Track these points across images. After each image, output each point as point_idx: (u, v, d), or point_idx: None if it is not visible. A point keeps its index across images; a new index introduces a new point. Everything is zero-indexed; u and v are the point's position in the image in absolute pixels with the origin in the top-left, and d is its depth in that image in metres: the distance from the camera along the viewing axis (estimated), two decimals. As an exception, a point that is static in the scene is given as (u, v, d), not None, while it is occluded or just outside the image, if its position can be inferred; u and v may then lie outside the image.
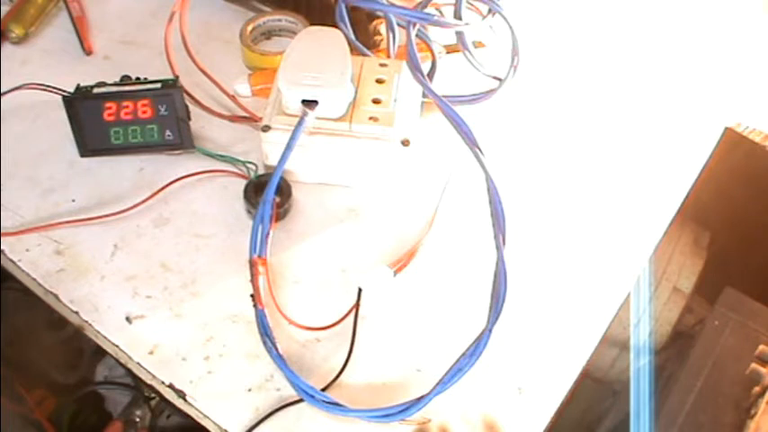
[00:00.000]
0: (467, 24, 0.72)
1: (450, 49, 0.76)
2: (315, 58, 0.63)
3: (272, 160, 0.63)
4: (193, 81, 0.71)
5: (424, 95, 0.67)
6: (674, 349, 0.88)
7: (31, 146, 0.68)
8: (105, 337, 0.57)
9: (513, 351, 0.58)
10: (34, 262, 0.60)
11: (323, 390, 0.54)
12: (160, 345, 0.56)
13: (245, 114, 0.70)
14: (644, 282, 0.87)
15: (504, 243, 0.56)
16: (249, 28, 0.76)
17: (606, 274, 0.64)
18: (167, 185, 0.65)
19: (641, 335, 0.88)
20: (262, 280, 0.58)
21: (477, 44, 0.77)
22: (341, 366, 0.55)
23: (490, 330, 0.53)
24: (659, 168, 0.72)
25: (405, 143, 0.63)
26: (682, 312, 0.90)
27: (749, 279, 0.85)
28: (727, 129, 0.79)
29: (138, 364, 0.55)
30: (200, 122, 0.70)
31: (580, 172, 0.71)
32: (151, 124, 0.65)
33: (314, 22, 0.75)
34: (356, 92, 0.64)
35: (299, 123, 0.61)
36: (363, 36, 0.74)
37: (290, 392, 0.54)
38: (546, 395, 0.56)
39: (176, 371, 0.55)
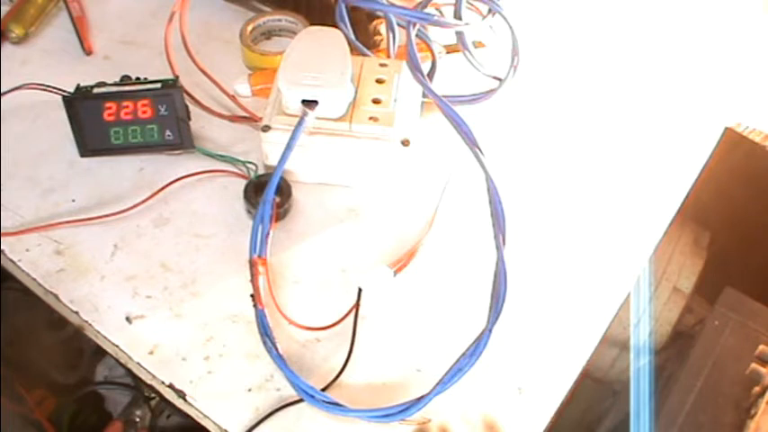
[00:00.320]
0: (467, 24, 0.72)
1: (450, 49, 0.76)
2: (315, 58, 0.63)
3: (272, 160, 0.63)
4: (193, 81, 0.71)
5: (424, 95, 0.67)
6: (674, 349, 0.88)
7: (31, 146, 0.68)
8: (105, 337, 0.57)
9: (513, 351, 0.58)
10: (34, 262, 0.60)
11: (323, 390, 0.54)
12: (160, 345, 0.56)
13: (245, 114, 0.70)
14: (644, 282, 0.87)
15: (504, 243, 0.56)
16: (249, 28, 0.76)
17: (606, 274, 0.64)
18: (167, 185, 0.65)
19: (641, 335, 0.88)
20: (262, 280, 0.58)
21: (477, 44, 0.77)
22: (341, 366, 0.55)
23: (490, 330, 0.53)
24: (659, 168, 0.72)
25: (405, 143, 0.63)
26: (682, 312, 0.90)
27: (749, 279, 0.85)
28: (727, 129, 0.79)
29: (138, 364, 0.55)
30: (200, 122, 0.70)
31: (580, 172, 0.71)
32: (151, 124, 0.65)
33: (314, 22, 0.75)
34: (356, 92, 0.64)
35: (299, 123, 0.61)
36: (363, 36, 0.74)
37: (290, 392, 0.54)
38: (546, 395, 0.56)
39: (176, 371, 0.55)
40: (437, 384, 0.52)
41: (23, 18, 0.77)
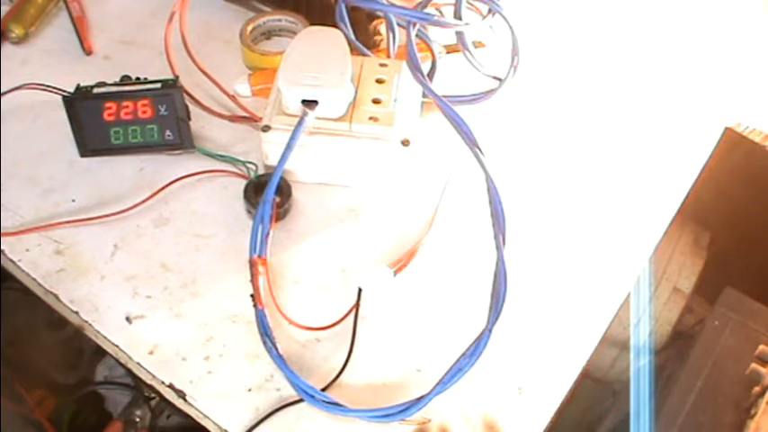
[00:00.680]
0: (467, 24, 0.72)
1: (450, 49, 0.76)
2: (315, 58, 0.63)
3: (272, 160, 0.63)
4: (193, 81, 0.71)
5: (424, 95, 0.67)
6: (674, 349, 0.88)
7: (31, 146, 0.68)
8: (105, 337, 0.57)
9: (513, 351, 0.58)
10: (34, 262, 0.60)
11: (323, 390, 0.54)
12: (160, 345, 0.56)
13: (245, 114, 0.70)
14: (644, 282, 0.87)
15: (504, 243, 0.56)
16: (249, 28, 0.76)
17: (606, 274, 0.64)
18: (167, 185, 0.65)
19: (641, 335, 0.88)
20: (262, 280, 0.58)
21: (477, 44, 0.77)
22: (341, 366, 0.55)
23: (490, 330, 0.53)
24: (659, 168, 0.72)
25: (405, 143, 0.63)
26: (682, 312, 0.90)
27: (749, 279, 0.85)
28: (727, 129, 0.79)
29: (138, 364, 0.55)
30: (200, 122, 0.70)
31: (580, 172, 0.71)
32: (151, 124, 0.65)
33: (314, 22, 0.75)
34: (356, 92, 0.64)
35: (299, 123, 0.61)
36: (363, 36, 0.74)
37: (290, 392, 0.54)
38: (546, 395, 0.56)
39: (176, 371, 0.55)
40: (437, 384, 0.52)
41: (23, 18, 0.77)
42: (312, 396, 0.52)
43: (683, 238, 0.92)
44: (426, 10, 0.75)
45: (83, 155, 0.67)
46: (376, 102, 0.64)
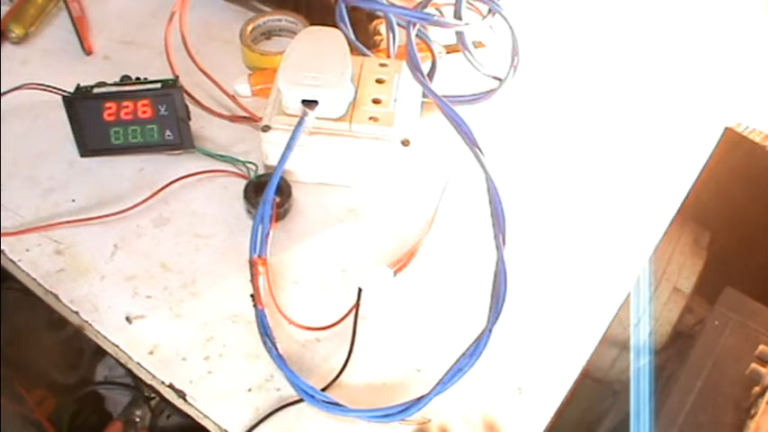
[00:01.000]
0: (467, 24, 0.72)
1: (450, 49, 0.76)
2: (315, 58, 0.63)
3: (272, 160, 0.63)
4: (193, 81, 0.71)
5: (424, 95, 0.67)
6: (674, 349, 0.88)
7: (31, 146, 0.68)
8: (105, 337, 0.57)
9: (513, 351, 0.58)
10: (34, 262, 0.60)
11: (323, 390, 0.54)
12: (160, 345, 0.56)
13: (245, 114, 0.70)
14: (644, 282, 0.87)
15: (504, 243, 0.56)
16: (249, 28, 0.76)
17: (606, 274, 0.64)
18: (167, 185, 0.65)
19: (641, 335, 0.88)
20: (262, 280, 0.58)
21: (477, 44, 0.77)
22: (341, 366, 0.55)
23: (490, 330, 0.53)
24: (659, 168, 0.72)
25: (405, 143, 0.63)
26: (682, 312, 0.90)
27: (749, 279, 0.85)
28: (727, 129, 0.79)
29: (138, 364, 0.55)
30: (200, 122, 0.70)
31: (580, 172, 0.71)
32: (151, 124, 0.65)
33: (314, 22, 0.75)
34: (356, 92, 0.64)
35: (299, 123, 0.61)
36: (363, 36, 0.74)
37: (290, 392, 0.54)
38: (546, 395, 0.56)
39: (176, 371, 0.55)
40: (437, 384, 0.52)
41: (23, 18, 0.77)
42: (312, 396, 0.52)
43: (683, 238, 0.92)
44: (426, 10, 0.75)
45: (83, 155, 0.67)
46: (376, 102, 0.64)
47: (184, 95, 0.65)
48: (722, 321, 0.79)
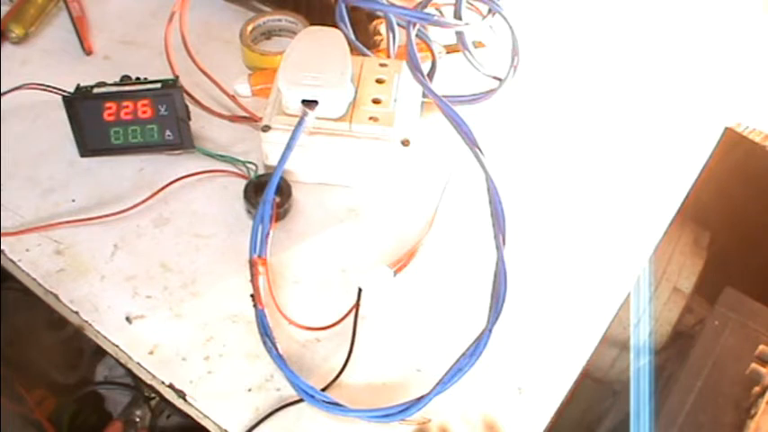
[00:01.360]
0: (467, 24, 0.72)
1: (450, 49, 0.76)
2: (315, 58, 0.63)
3: (272, 160, 0.63)
4: (193, 81, 0.71)
5: (424, 95, 0.67)
6: (674, 349, 0.88)
7: (31, 146, 0.68)
8: (105, 337, 0.57)
9: (513, 351, 0.58)
10: (34, 262, 0.60)
11: (323, 390, 0.54)
12: (160, 345, 0.56)
13: (245, 114, 0.70)
14: (644, 282, 0.87)
15: (504, 243, 0.56)
16: (249, 28, 0.76)
17: (606, 274, 0.64)
18: (167, 185, 0.65)
19: (641, 335, 0.88)
20: (262, 280, 0.58)
21: (477, 44, 0.77)
22: (341, 366, 0.55)
23: (490, 330, 0.53)
24: (659, 168, 0.72)
25: (405, 143, 0.63)
26: (682, 312, 0.90)
27: (749, 279, 0.85)
28: (727, 129, 0.79)
29: (138, 364, 0.55)
30: (200, 122, 0.70)
31: (580, 172, 0.71)
32: (151, 124, 0.65)
33: (314, 22, 0.75)
34: (356, 92, 0.64)
35: (299, 123, 0.61)
36: (363, 36, 0.74)
37: (290, 392, 0.54)
38: (546, 395, 0.56)
39: (176, 371, 0.55)
40: (437, 384, 0.52)
41: (23, 18, 0.77)
42: (312, 396, 0.52)
43: (683, 238, 0.92)
44: (426, 10, 0.75)
45: (83, 155, 0.67)
46: (376, 102, 0.64)
47: (184, 95, 0.65)
48: (722, 321, 0.79)
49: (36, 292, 0.60)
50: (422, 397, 0.52)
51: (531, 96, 0.77)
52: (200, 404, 0.54)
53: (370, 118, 0.63)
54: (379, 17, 0.74)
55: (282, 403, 0.53)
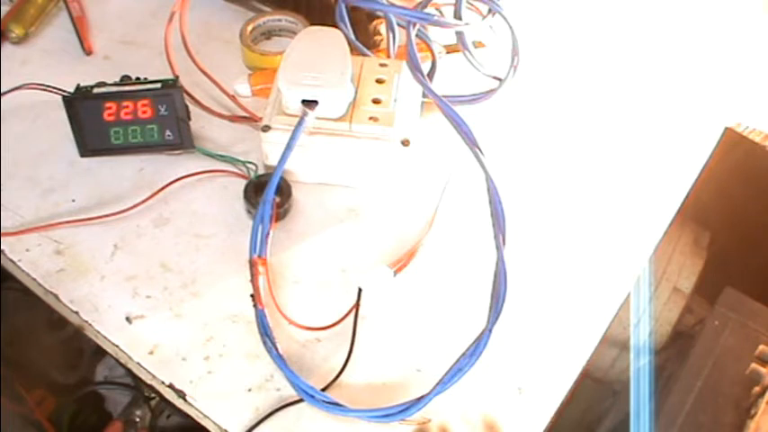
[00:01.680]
0: (467, 24, 0.72)
1: (450, 49, 0.76)
2: (315, 58, 0.63)
3: (272, 160, 0.63)
4: (193, 81, 0.71)
5: (424, 95, 0.67)
6: (674, 349, 0.88)
7: (31, 146, 0.68)
8: (105, 337, 0.57)
9: (513, 351, 0.58)
10: (34, 262, 0.60)
11: (323, 390, 0.54)
12: (160, 345, 0.56)
13: (245, 114, 0.70)
14: (644, 282, 0.87)
15: (504, 243, 0.56)
16: (249, 28, 0.76)
17: (606, 274, 0.64)
18: (167, 185, 0.65)
19: (641, 335, 0.88)
20: (262, 280, 0.58)
21: (477, 44, 0.77)
22: (341, 366, 0.55)
23: (490, 330, 0.53)
24: (659, 168, 0.72)
25: (405, 143, 0.63)
26: (682, 312, 0.90)
27: (749, 279, 0.85)
28: (727, 129, 0.79)
29: (138, 364, 0.55)
30: (200, 122, 0.70)
31: (580, 172, 0.71)
32: (151, 124, 0.65)
33: (314, 22, 0.75)
34: (356, 92, 0.64)
35: (299, 123, 0.61)
36: (363, 36, 0.74)
37: (290, 392, 0.54)
38: (546, 395, 0.56)
39: (176, 371, 0.55)
40: (437, 384, 0.52)
41: (23, 18, 0.77)
42: (312, 396, 0.52)
43: (683, 238, 0.92)
44: (426, 10, 0.75)
45: (83, 155, 0.67)
46: (376, 102, 0.64)
47: (184, 95, 0.65)
48: (722, 321, 0.79)
49: (36, 292, 0.60)
50: (422, 397, 0.52)
51: (531, 96, 0.77)
52: (200, 404, 0.54)
53: (370, 118, 0.63)
54: (379, 17, 0.74)
55: (282, 403, 0.53)
